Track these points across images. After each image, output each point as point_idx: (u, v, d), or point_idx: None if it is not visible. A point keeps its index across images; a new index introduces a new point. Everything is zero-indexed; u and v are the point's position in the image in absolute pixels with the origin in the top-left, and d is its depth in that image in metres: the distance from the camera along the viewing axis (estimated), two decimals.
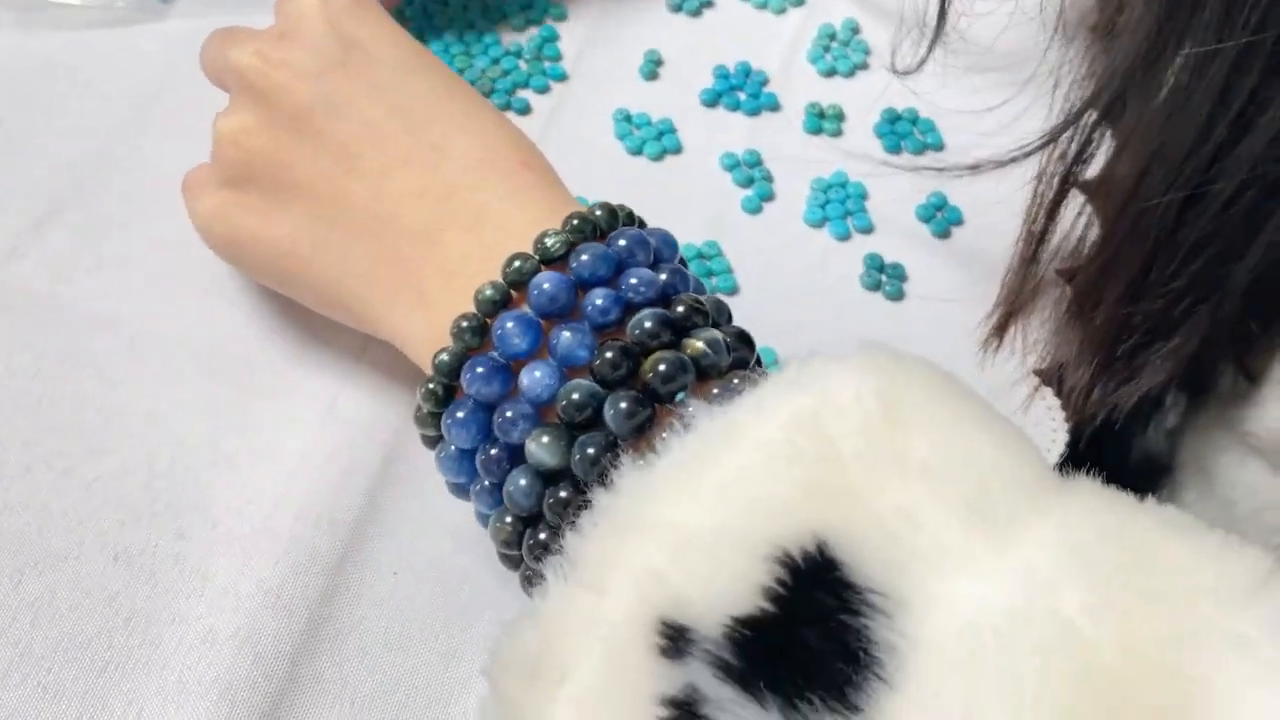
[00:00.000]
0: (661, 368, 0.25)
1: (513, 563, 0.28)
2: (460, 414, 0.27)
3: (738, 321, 0.39)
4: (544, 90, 0.45)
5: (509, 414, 0.26)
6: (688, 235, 0.40)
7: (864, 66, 0.46)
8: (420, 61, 0.33)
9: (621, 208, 0.30)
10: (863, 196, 0.42)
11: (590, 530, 0.23)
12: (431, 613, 0.33)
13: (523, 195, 0.31)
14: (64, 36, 0.45)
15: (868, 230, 0.41)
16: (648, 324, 0.26)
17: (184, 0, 0.48)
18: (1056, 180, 0.35)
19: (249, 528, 0.33)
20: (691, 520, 0.22)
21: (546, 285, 0.27)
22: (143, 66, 0.45)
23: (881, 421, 0.22)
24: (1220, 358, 0.37)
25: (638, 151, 0.43)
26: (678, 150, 0.43)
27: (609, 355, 0.26)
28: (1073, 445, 0.37)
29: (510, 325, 0.27)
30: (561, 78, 0.45)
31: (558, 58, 0.46)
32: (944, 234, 0.41)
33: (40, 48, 0.45)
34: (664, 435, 0.23)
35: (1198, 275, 0.32)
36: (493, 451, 0.27)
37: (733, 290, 0.40)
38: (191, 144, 0.40)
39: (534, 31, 0.47)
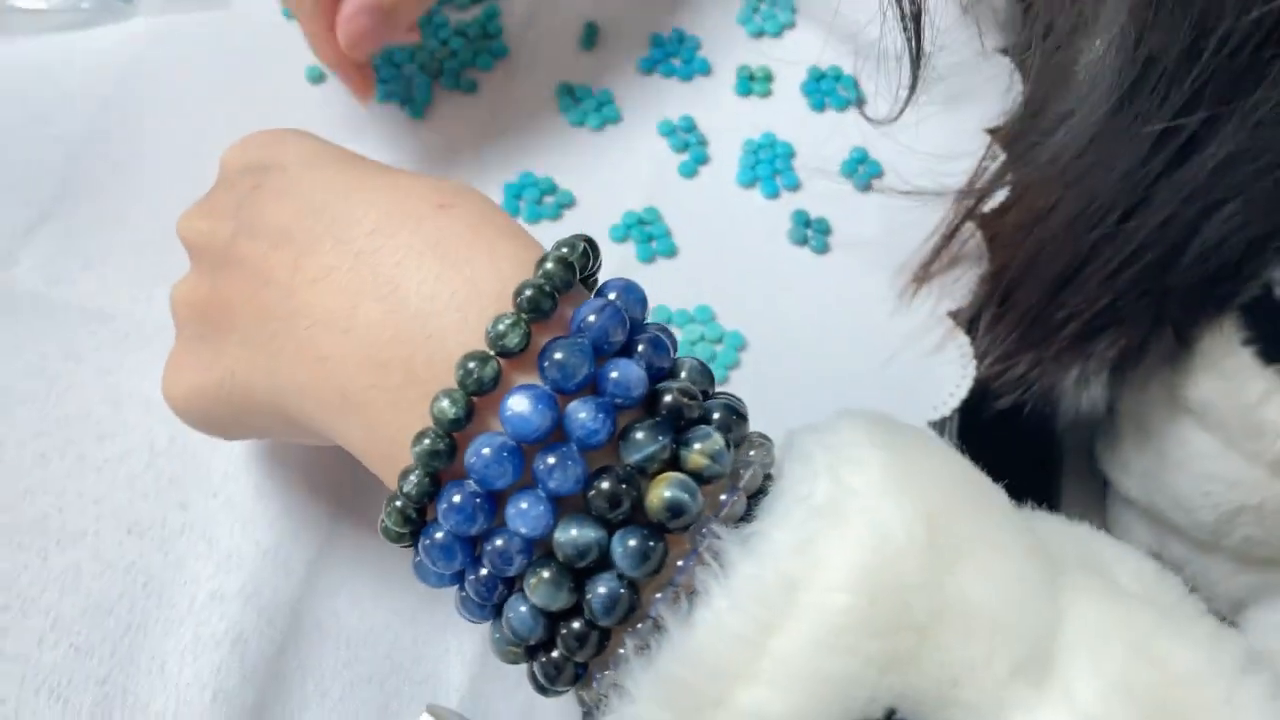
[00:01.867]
0: (667, 494, 0.23)
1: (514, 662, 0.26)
2: (439, 536, 0.25)
3: (678, 281, 0.42)
4: (489, 68, 0.48)
5: (498, 545, 0.24)
6: (629, 203, 0.44)
7: (791, 25, 0.49)
8: (329, 154, 0.31)
9: (573, 249, 0.26)
10: (790, 155, 0.45)
11: (639, 694, 0.22)
12: None
13: (446, 244, 0.26)
14: (31, 41, 0.48)
15: (795, 188, 0.45)
16: (645, 448, 0.24)
17: (146, 0, 0.50)
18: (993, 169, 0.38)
19: (246, 495, 0.37)
20: (768, 708, 0.21)
21: (523, 406, 0.23)
22: (110, 67, 0.47)
23: (936, 563, 0.22)
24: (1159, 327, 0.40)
25: (580, 123, 0.46)
26: (617, 120, 0.46)
27: (604, 488, 0.23)
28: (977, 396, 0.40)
29: (486, 453, 0.23)
30: (504, 54, 0.48)
31: (500, 33, 0.48)
32: (865, 187, 0.45)
33: (8, 53, 0.48)
34: (685, 568, 0.23)
35: (1137, 277, 0.35)
36: (483, 572, 0.24)
37: (672, 253, 0.43)
38: (160, 140, 0.43)
39: (477, 11, 0.49)
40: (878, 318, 0.42)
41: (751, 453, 0.26)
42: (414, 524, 0.25)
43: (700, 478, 0.24)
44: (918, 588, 0.22)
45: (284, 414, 0.29)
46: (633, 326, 0.26)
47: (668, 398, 0.25)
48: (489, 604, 0.25)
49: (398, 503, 0.25)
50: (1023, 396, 0.39)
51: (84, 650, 0.34)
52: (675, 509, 0.23)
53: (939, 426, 0.40)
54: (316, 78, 0.47)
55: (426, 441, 0.24)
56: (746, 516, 0.24)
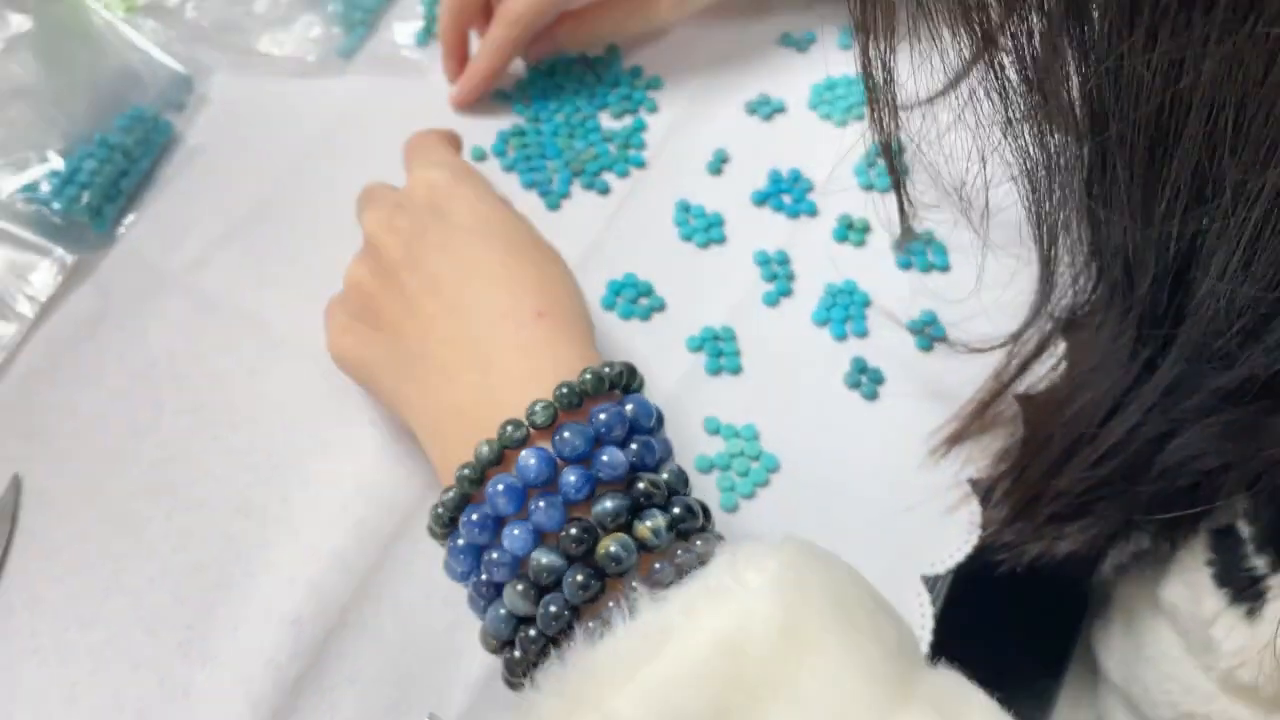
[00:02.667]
0: (612, 549, 0.31)
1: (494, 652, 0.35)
2: (459, 542, 0.34)
3: (735, 398, 0.48)
4: (624, 175, 0.54)
5: (494, 556, 0.32)
6: (711, 318, 0.50)
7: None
8: (486, 224, 0.41)
9: (613, 369, 0.35)
10: (865, 304, 0.50)
11: (544, 687, 0.30)
12: (452, 590, 0.43)
13: (533, 345, 0.37)
14: (261, 81, 0.58)
15: (862, 335, 0.49)
16: (609, 505, 0.32)
17: (361, 59, 0.59)
18: (1020, 360, 0.42)
19: (334, 503, 0.45)
20: (623, 713, 0.27)
21: (533, 461, 0.32)
22: (319, 115, 0.57)
23: (782, 650, 0.28)
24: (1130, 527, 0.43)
25: (688, 239, 0.52)
26: (721, 241, 0.52)
27: (572, 532, 0.31)
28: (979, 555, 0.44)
29: (501, 488, 0.32)
30: (640, 165, 0.55)
31: (642, 146, 0.55)
32: (927, 348, 0.49)
33: (245, 88, 0.58)
34: (610, 608, 0.30)
35: (1112, 473, 0.39)
36: (483, 576, 0.33)
37: (736, 370, 0.48)
38: (347, 188, 0.51)
39: (629, 120, 0.56)
40: (906, 470, 0.46)
41: (698, 543, 0.32)
42: (446, 528, 0.35)
43: (644, 545, 0.32)
44: (758, 661, 0.28)
45: (399, 410, 0.40)
46: (636, 429, 0.34)
47: (640, 484, 0.33)
48: (483, 603, 0.33)
49: (439, 509, 0.34)
50: (1011, 563, 0.43)
51: (180, 598, 0.43)
52: (615, 559, 0.31)
53: (932, 582, 0.44)
54: (479, 156, 0.55)
55: (466, 471, 0.34)
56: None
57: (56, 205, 0.50)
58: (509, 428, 0.34)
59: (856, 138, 0.55)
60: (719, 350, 0.49)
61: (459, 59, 0.56)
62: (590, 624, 0.30)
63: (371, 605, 0.43)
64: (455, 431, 0.36)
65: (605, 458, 0.33)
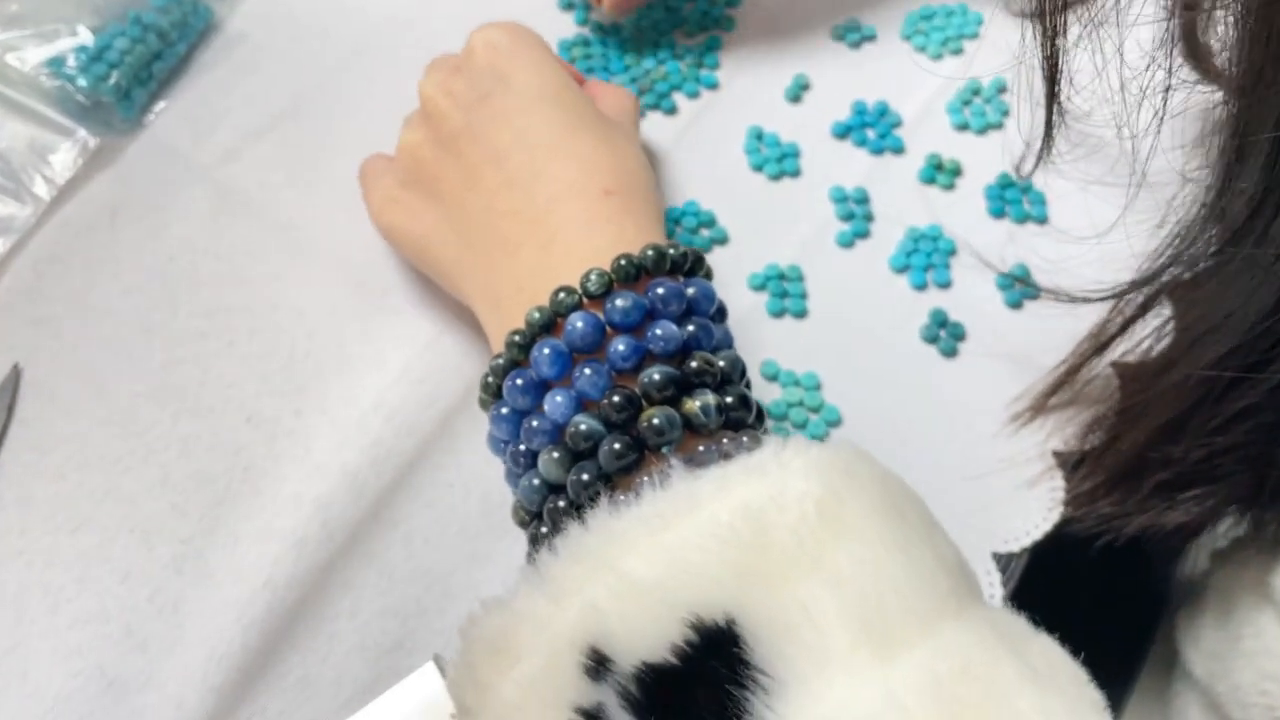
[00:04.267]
0: (655, 420, 0.29)
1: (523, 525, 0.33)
2: (503, 410, 0.32)
3: (797, 343, 0.43)
4: (694, 95, 0.50)
5: (534, 424, 0.31)
6: (777, 256, 0.45)
7: (998, 126, 0.48)
8: (552, 93, 0.39)
9: (677, 250, 0.33)
10: (950, 253, 0.45)
11: (562, 552, 0.27)
12: (471, 522, 0.40)
13: (597, 222, 0.35)
14: None
15: (945, 285, 0.44)
16: (655, 377, 0.30)
17: None
18: (1134, 304, 0.37)
19: (350, 421, 0.41)
20: (637, 572, 0.25)
21: (580, 324, 0.31)
22: (372, 8, 0.52)
23: (816, 525, 0.26)
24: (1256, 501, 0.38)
25: (758, 169, 0.48)
26: (795, 174, 0.47)
27: (615, 399, 0.30)
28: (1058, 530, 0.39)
29: (546, 352, 0.31)
30: (713, 86, 0.50)
31: (716, 66, 0.50)
32: (1016, 305, 0.44)
33: None
34: (642, 480, 0.27)
35: (1244, 438, 0.34)
36: (521, 447, 0.31)
37: (801, 314, 0.44)
38: (395, 90, 0.47)
39: (702, 38, 0.51)
40: (980, 435, 0.41)
41: (745, 438, 0.29)
42: (494, 395, 0.33)
43: (689, 423, 0.29)
44: (788, 531, 0.25)
45: (454, 285, 0.39)
46: (694, 310, 0.33)
47: (693, 363, 0.31)
48: (518, 474, 0.32)
49: (488, 377, 0.33)
50: (1103, 535, 0.38)
51: (179, 509, 0.39)
52: (657, 430, 0.29)
53: (1004, 561, 0.39)
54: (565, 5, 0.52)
55: (517, 337, 0.32)
56: None
57: (82, 83, 0.46)
58: (562, 294, 0.32)
59: (951, 73, 0.50)
60: (783, 290, 0.44)
61: None
62: (621, 496, 0.27)
63: (382, 532, 0.39)
64: (513, 304, 0.35)
65: (659, 330, 0.31)
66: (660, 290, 0.32)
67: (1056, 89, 0.31)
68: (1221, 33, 0.27)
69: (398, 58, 0.51)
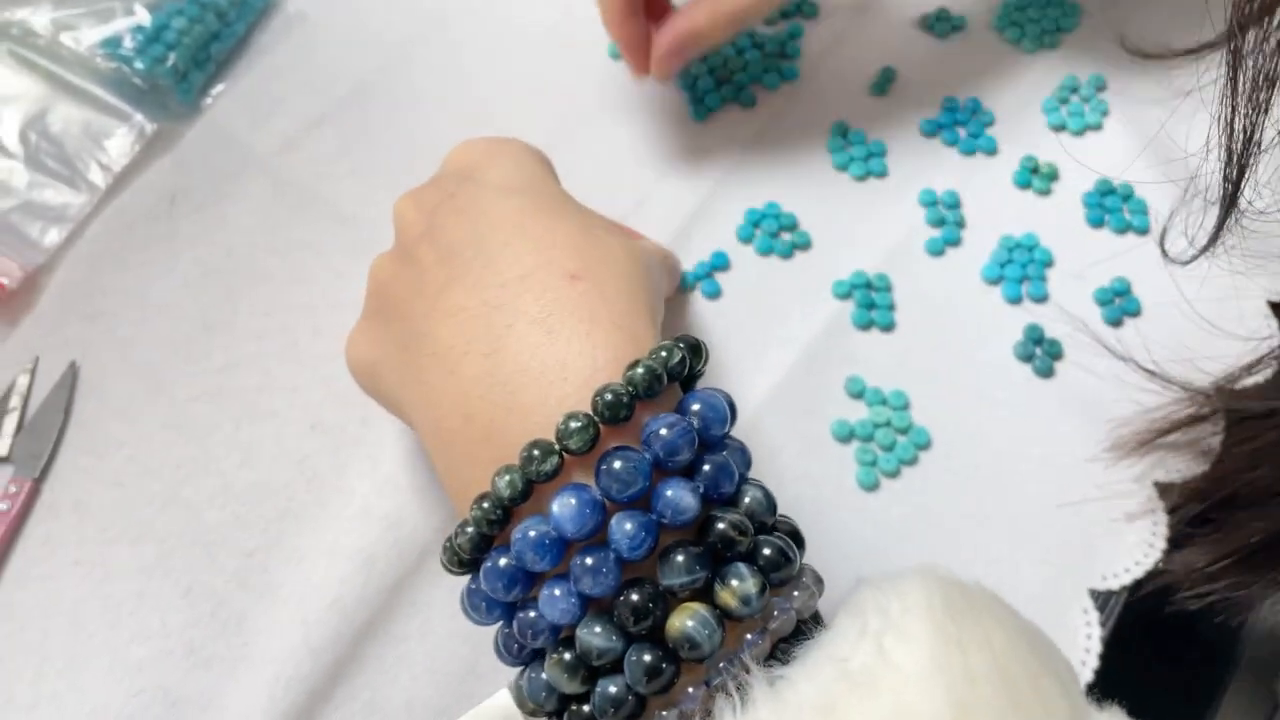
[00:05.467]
0: (689, 624, 0.23)
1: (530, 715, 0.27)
2: (481, 586, 0.26)
3: (884, 358, 0.41)
4: (774, 88, 0.47)
5: (530, 616, 0.25)
6: (864, 263, 0.43)
7: (1097, 128, 0.46)
8: (523, 184, 0.32)
9: (671, 356, 0.26)
10: (1047, 264, 0.43)
11: None
12: None
13: (556, 318, 0.27)
14: None
15: (1041, 299, 0.42)
16: (679, 575, 0.24)
17: None
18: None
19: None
20: None
21: (572, 504, 0.24)
22: (441, 6, 0.50)
23: None
24: None
25: (843, 168, 0.45)
26: (882, 174, 0.45)
27: (634, 600, 0.24)
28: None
29: (532, 537, 0.24)
30: (793, 77, 0.47)
31: (797, 57, 0.48)
32: (1116, 322, 0.41)
33: None
34: (690, 693, 0.23)
35: None
36: (514, 630, 0.26)
37: (889, 326, 0.42)
38: (460, 79, 0.45)
39: (782, 27, 0.49)
40: (1076, 460, 0.39)
41: (795, 593, 0.25)
42: (465, 567, 0.26)
43: (728, 614, 0.24)
44: None
45: (402, 414, 0.31)
46: (707, 444, 0.26)
47: (720, 526, 0.24)
48: (511, 660, 0.26)
49: (458, 542, 0.26)
50: (1204, 600, 0.36)
51: (242, 520, 0.38)
52: (690, 642, 0.23)
53: (1102, 599, 0.37)
54: (614, 55, 0.48)
55: (486, 505, 0.25)
56: (781, 655, 0.24)
57: (139, 64, 0.44)
58: (535, 453, 0.25)
59: (1047, 69, 0.47)
60: (870, 301, 0.42)
61: (641, 47, 0.42)
62: (668, 717, 0.23)
63: None
64: (460, 443, 0.27)
65: (669, 494, 0.24)
66: (664, 433, 0.25)
67: (1240, 191, 0.28)
68: None
69: (462, 42, 0.48)
